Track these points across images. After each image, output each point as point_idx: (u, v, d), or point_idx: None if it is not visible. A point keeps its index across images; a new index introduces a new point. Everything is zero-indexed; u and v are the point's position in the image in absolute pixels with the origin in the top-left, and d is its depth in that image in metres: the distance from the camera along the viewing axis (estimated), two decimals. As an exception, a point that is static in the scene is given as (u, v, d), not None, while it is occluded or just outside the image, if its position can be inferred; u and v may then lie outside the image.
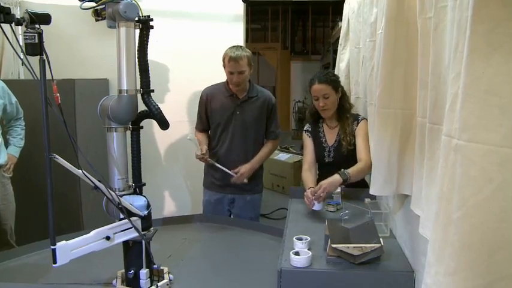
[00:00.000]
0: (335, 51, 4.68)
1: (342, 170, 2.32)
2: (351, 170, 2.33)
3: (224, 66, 2.85)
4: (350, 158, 2.55)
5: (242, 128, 2.91)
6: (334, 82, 2.61)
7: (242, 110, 2.90)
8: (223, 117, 2.91)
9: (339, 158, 2.62)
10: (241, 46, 2.89)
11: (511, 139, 0.88)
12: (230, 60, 2.77)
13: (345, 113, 2.65)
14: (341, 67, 3.53)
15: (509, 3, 0.86)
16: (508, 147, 0.89)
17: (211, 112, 2.95)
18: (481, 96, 0.91)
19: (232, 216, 3.05)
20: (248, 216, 2.98)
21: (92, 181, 1.63)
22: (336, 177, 2.28)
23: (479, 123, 0.92)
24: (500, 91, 0.89)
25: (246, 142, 2.93)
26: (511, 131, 0.88)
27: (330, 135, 2.69)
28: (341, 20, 3.89)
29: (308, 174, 2.60)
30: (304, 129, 2.80)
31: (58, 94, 1.52)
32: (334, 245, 1.69)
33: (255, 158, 2.95)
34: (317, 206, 2.27)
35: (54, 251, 1.52)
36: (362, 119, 2.61)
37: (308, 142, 2.75)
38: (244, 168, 2.88)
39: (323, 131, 2.72)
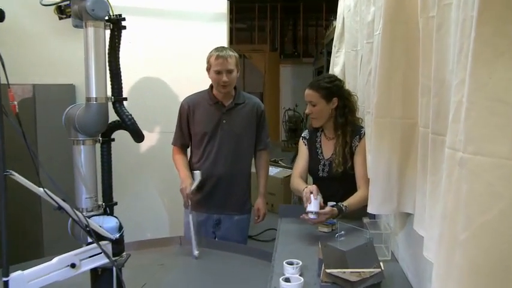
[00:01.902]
0: (329, 54, 4.72)
1: (338, 203, 2.35)
2: (348, 202, 2.37)
3: (209, 68, 2.86)
4: (348, 176, 2.56)
5: (230, 138, 2.91)
6: (325, 90, 2.57)
7: (229, 119, 2.90)
8: (209, 127, 2.90)
9: (334, 174, 2.61)
10: (226, 47, 2.93)
11: (520, 151, 0.89)
12: (218, 58, 2.78)
13: (342, 127, 2.60)
14: (335, 71, 3.54)
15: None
16: (517, 161, 0.90)
17: (195, 123, 2.93)
18: (487, 104, 0.92)
19: (216, 239, 3.03)
20: (235, 239, 2.95)
21: (55, 200, 1.61)
22: (334, 211, 2.32)
23: (486, 135, 0.93)
24: (508, 99, 0.90)
25: (234, 153, 2.93)
26: (521, 143, 0.89)
27: (327, 148, 2.68)
28: (335, 18, 3.93)
29: (299, 181, 2.63)
30: (302, 135, 2.82)
31: (16, 102, 1.50)
32: (328, 270, 1.68)
33: (261, 184, 3.11)
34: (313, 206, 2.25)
35: (6, 283, 1.47)
36: (365, 134, 2.49)
37: (303, 150, 2.77)
38: (261, 205, 3.08)
39: (320, 141, 2.72)
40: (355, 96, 2.68)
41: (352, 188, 2.50)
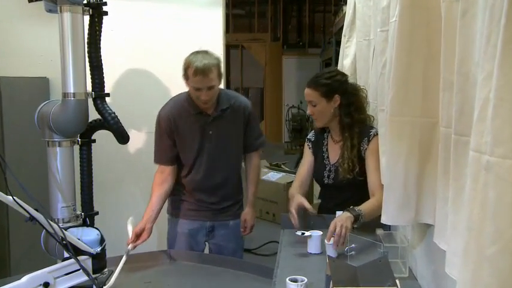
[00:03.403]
0: (339, 43, 4.73)
1: (352, 207, 2.31)
2: (364, 207, 2.33)
3: (186, 78, 2.73)
4: (356, 183, 2.56)
5: (219, 150, 2.90)
6: (325, 86, 2.56)
7: (215, 129, 2.87)
8: (195, 141, 2.87)
9: (340, 181, 2.60)
10: (206, 51, 2.76)
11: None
12: (197, 74, 2.62)
13: (349, 128, 2.59)
14: (345, 64, 3.54)
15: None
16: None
17: (179, 138, 2.88)
18: (518, 101, 0.92)
19: (210, 249, 3.06)
20: (231, 247, 2.98)
21: (26, 210, 1.60)
22: (347, 214, 2.26)
23: (516, 135, 0.93)
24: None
25: (226, 163, 2.94)
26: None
27: (333, 151, 2.68)
28: (346, 3, 3.93)
29: (294, 191, 2.64)
30: (307, 137, 2.84)
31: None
32: (338, 289, 1.68)
33: (251, 191, 3.07)
34: (332, 251, 2.21)
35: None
36: (375, 135, 2.52)
37: (307, 154, 2.77)
38: (249, 216, 3.02)
39: (326, 144, 2.72)
40: (363, 91, 2.68)
41: (362, 197, 2.48)
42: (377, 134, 2.49)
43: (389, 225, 2.27)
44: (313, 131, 2.82)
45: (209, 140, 2.87)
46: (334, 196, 2.44)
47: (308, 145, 2.78)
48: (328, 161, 2.69)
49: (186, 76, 2.71)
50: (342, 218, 2.23)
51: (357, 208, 2.30)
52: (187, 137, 2.87)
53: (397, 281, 1.70)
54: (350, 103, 2.59)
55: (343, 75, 2.74)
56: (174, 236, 3.05)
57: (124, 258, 2.39)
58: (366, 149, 2.55)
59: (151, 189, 2.88)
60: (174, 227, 3.05)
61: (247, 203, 3.07)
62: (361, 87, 2.71)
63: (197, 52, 2.73)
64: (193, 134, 2.86)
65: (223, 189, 2.96)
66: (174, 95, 3.03)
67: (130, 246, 2.57)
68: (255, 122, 3.06)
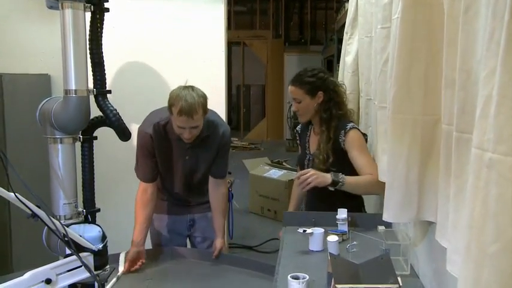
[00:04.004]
0: (341, 41, 4.72)
1: (337, 172, 2.50)
2: (349, 177, 2.50)
3: (170, 113, 2.61)
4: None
5: (189, 173, 2.92)
6: (309, 84, 2.69)
7: (192, 154, 2.86)
8: (170, 163, 2.86)
9: (322, 172, 2.65)
10: (193, 87, 2.65)
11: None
12: (182, 114, 2.52)
13: (327, 122, 2.70)
14: (347, 61, 3.54)
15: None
16: (555, 163, 0.89)
17: (157, 158, 2.84)
18: (521, 98, 0.92)
19: (192, 242, 3.10)
20: (212, 237, 2.96)
21: (28, 207, 1.60)
22: (327, 174, 2.48)
23: (519, 133, 0.92)
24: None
25: (200, 177, 2.95)
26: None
27: (313, 142, 2.84)
28: (348, 0, 3.92)
29: (295, 190, 2.85)
30: (296, 128, 3.06)
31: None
32: (339, 286, 1.68)
33: (220, 223, 2.93)
34: (334, 248, 2.23)
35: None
36: (350, 128, 2.64)
37: (299, 145, 2.99)
38: (220, 245, 2.84)
39: (309, 135, 2.88)
40: (342, 86, 2.84)
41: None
42: (354, 128, 2.66)
43: (391, 223, 2.27)
44: (301, 123, 2.99)
45: (184, 164, 2.87)
46: (311, 191, 2.60)
47: (297, 136, 3.03)
48: (309, 150, 2.84)
49: (170, 111, 2.60)
50: (320, 173, 2.48)
51: (340, 175, 2.49)
52: (164, 159, 2.84)
53: (399, 279, 1.70)
54: (330, 99, 2.72)
55: (325, 72, 2.86)
56: (155, 232, 3.05)
57: (114, 280, 2.36)
58: (344, 141, 2.64)
59: (135, 210, 2.78)
60: (155, 222, 3.02)
61: (217, 234, 2.90)
62: (339, 82, 2.86)
63: (184, 87, 2.62)
64: (169, 156, 2.83)
65: (199, 192, 3.00)
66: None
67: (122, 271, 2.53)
68: (228, 151, 3.00)
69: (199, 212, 3.04)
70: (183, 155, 2.83)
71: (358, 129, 2.69)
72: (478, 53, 1.17)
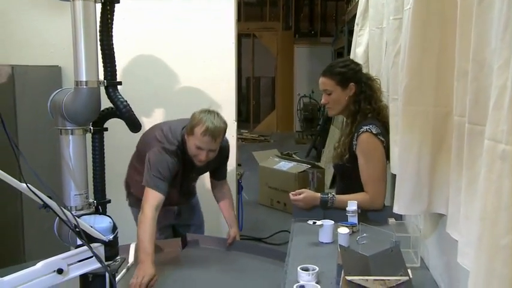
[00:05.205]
0: (351, 32, 4.70)
1: (328, 192, 2.51)
2: (340, 197, 2.50)
3: (191, 133, 2.64)
4: (346, 169, 2.62)
5: (187, 183, 3.07)
6: (340, 75, 2.60)
7: (197, 171, 3.02)
8: (178, 177, 2.87)
9: (337, 167, 2.72)
10: (217, 113, 2.70)
11: None
12: (206, 134, 2.57)
13: (353, 115, 2.62)
14: (358, 53, 3.53)
15: None
16: None
17: None
18: (535, 89, 0.91)
19: (177, 230, 3.18)
20: (198, 222, 3.24)
21: (40, 197, 1.61)
22: (316, 197, 2.52)
23: (533, 124, 0.91)
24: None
25: (184, 191, 3.06)
26: None
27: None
28: (358, -8, 3.90)
29: None
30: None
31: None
32: (349, 278, 1.68)
33: (232, 214, 3.11)
34: (344, 240, 2.21)
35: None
36: (363, 132, 2.51)
37: None
38: (235, 234, 2.98)
39: (342, 128, 2.86)
40: (377, 81, 2.68)
41: (352, 186, 2.56)
42: (367, 131, 2.50)
43: (401, 215, 2.27)
44: None
45: (187, 178, 2.99)
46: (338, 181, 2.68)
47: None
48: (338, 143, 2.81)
49: (191, 132, 2.63)
50: (310, 195, 2.53)
51: (330, 194, 2.52)
52: (175, 175, 2.85)
53: (409, 271, 1.70)
54: (362, 92, 2.62)
55: (357, 64, 2.78)
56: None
57: (124, 271, 2.28)
58: (355, 144, 2.55)
59: (143, 229, 2.52)
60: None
61: (231, 224, 3.04)
62: (375, 77, 2.71)
63: (209, 111, 2.67)
64: (179, 172, 2.84)
65: (190, 193, 3.19)
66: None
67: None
68: (227, 156, 3.10)
69: (185, 204, 3.18)
70: (189, 171, 2.92)
71: (372, 133, 2.49)
72: (492, 44, 1.16)
